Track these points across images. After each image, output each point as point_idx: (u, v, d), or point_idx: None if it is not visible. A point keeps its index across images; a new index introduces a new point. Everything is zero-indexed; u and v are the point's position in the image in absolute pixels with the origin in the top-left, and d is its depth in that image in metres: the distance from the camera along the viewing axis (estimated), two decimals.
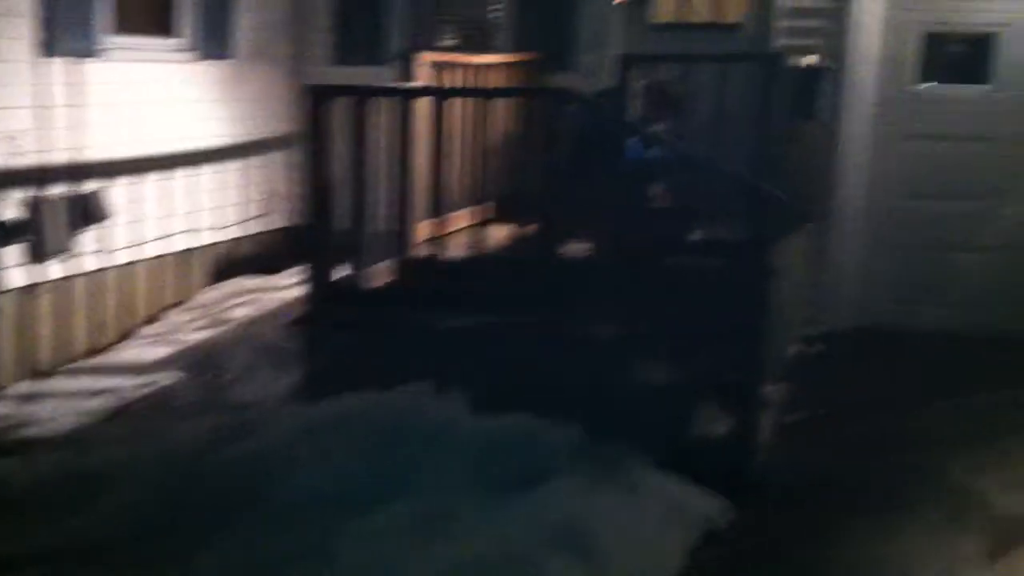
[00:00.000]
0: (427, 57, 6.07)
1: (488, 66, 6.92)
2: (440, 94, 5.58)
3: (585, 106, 5.13)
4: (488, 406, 4.77)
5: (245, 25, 7.78)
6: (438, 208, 5.49)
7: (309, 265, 5.33)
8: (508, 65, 7.21)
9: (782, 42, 7.18)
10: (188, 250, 7.35)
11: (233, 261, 7.76)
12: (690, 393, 5.06)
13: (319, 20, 8.28)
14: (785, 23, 7.23)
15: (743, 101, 6.20)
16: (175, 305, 7.23)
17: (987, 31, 7.19)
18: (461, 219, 6.23)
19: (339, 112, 5.29)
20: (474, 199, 5.33)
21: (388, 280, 5.48)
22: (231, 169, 7.73)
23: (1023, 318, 7.22)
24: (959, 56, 7.36)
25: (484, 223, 6.51)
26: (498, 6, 7.96)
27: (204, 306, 7.16)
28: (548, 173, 5.05)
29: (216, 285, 7.49)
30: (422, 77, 6.00)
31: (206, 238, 7.50)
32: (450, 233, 5.99)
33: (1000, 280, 7.32)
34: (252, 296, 7.12)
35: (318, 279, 5.33)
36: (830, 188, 7.33)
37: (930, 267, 7.41)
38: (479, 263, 5.34)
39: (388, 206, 5.50)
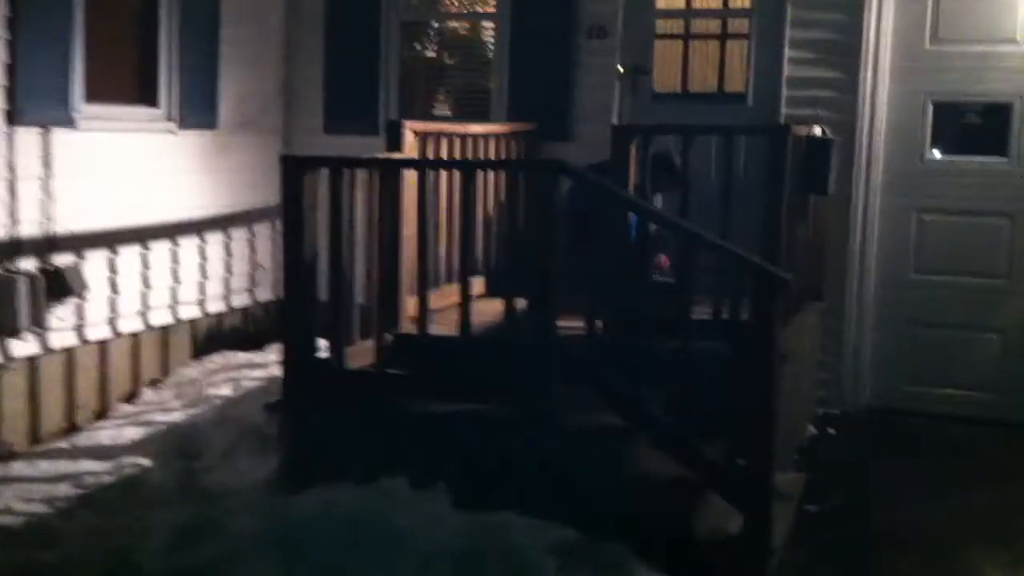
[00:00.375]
0: (414, 126, 5.78)
1: (481, 136, 6.64)
2: (418, 165, 5.28)
3: (578, 177, 4.80)
4: (474, 501, 4.39)
5: (231, 94, 7.54)
6: (425, 282, 5.16)
7: (285, 345, 4.99)
8: (502, 135, 6.93)
9: (788, 112, 6.93)
10: (168, 325, 7.01)
11: (215, 336, 7.43)
12: (696, 485, 4.69)
13: (310, 89, 8.03)
14: (791, 93, 6.97)
15: (748, 174, 5.92)
16: (153, 383, 6.87)
17: (1002, 101, 6.91)
18: (450, 294, 5.90)
19: (321, 183, 5.00)
20: (464, 273, 5.01)
21: (371, 359, 5.12)
22: (213, 241, 7.44)
23: None
24: (974, 128, 7.08)
25: (474, 298, 6.20)
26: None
27: (183, 384, 6.81)
28: (541, 247, 4.72)
29: (197, 361, 7.14)
30: (408, 147, 5.71)
31: (187, 312, 7.17)
32: (438, 309, 5.66)
33: (1017, 362, 6.96)
34: (234, 373, 6.76)
35: (295, 359, 4.99)
36: (841, 264, 7.02)
37: (944, 347, 7.07)
38: (468, 343, 4.98)
39: (370, 280, 5.17)
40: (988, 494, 5.73)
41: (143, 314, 6.79)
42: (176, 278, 7.06)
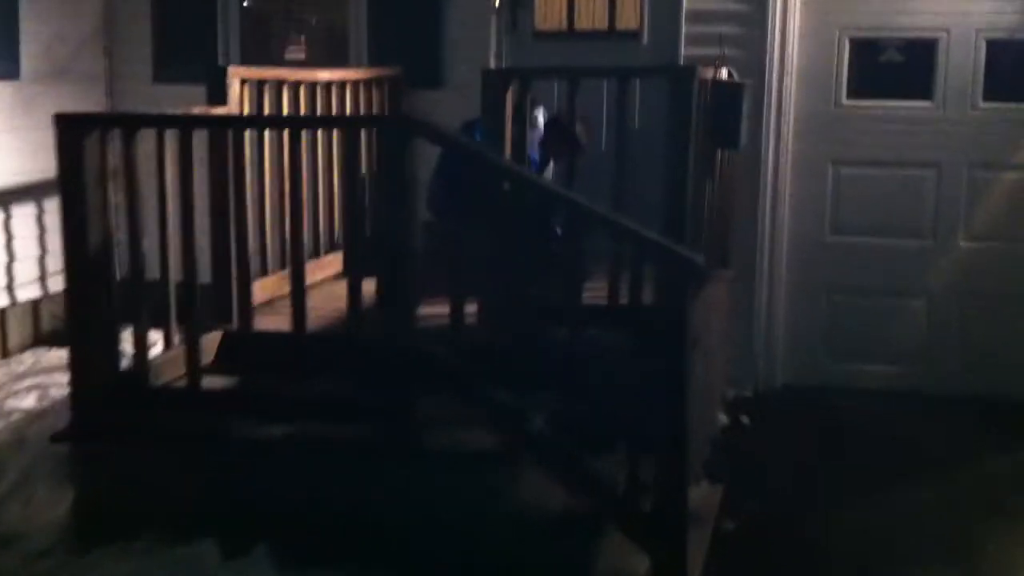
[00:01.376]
0: (241, 73, 4.72)
1: (336, 83, 5.59)
2: (225, 124, 4.20)
3: (436, 137, 3.81)
4: (308, 562, 3.42)
5: (38, 38, 6.33)
6: (245, 268, 4.16)
7: (71, 354, 3.93)
8: (360, 81, 5.88)
9: (689, 52, 6.01)
10: None
11: (27, 329, 6.29)
12: (594, 516, 3.79)
13: (137, 29, 6.83)
14: (691, 29, 6.05)
15: (648, 125, 4.99)
16: None
17: (927, 36, 6.10)
18: (316, 270, 4.93)
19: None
20: (295, 253, 4.01)
21: (181, 373, 4.07)
22: (22, 215, 6.27)
23: (974, 374, 6.14)
24: (895, 67, 6.26)
25: (328, 280, 5.21)
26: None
27: None
28: (391, 224, 3.74)
29: (2, 361, 6.01)
30: (235, 99, 4.66)
31: None
32: (274, 300, 4.68)
33: (946, 330, 6.23)
34: (43, 378, 5.62)
35: (84, 372, 3.93)
36: (749, 226, 6.17)
37: (866, 315, 6.31)
38: (302, 343, 3.97)
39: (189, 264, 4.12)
40: (928, 489, 5.02)
41: None
42: None
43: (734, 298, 6.09)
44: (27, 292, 6.33)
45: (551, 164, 5.45)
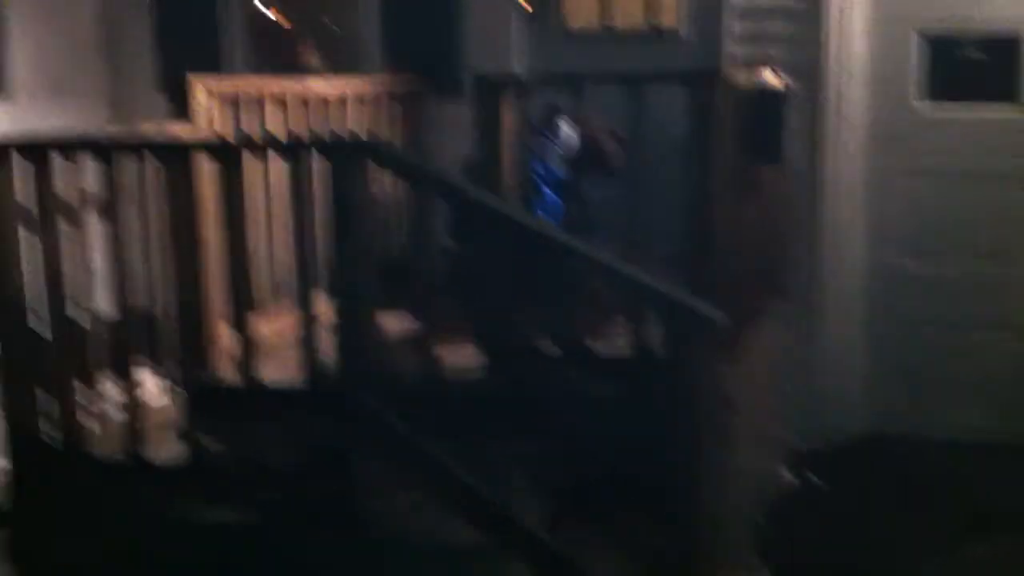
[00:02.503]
0: (210, 85, 4.14)
1: (332, 95, 5.00)
2: (159, 150, 3.53)
3: (396, 164, 3.17)
4: None
5: (29, 52, 5.87)
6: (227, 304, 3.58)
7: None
8: (365, 92, 5.28)
9: (733, 51, 5.28)
10: None
11: None
12: None
13: (140, 40, 6.32)
14: (736, 26, 5.32)
15: (675, 140, 4.29)
16: None
17: (1009, 33, 5.28)
18: (271, 318, 4.32)
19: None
20: (237, 295, 3.42)
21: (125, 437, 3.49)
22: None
23: None
24: (974, 66, 5.44)
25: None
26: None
27: None
28: (354, 257, 3.11)
29: None
30: (201, 114, 4.08)
31: None
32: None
33: None
34: None
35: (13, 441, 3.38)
36: (812, 252, 5.39)
37: (957, 354, 5.42)
38: (255, 399, 3.37)
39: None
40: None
41: None
42: None
43: (797, 335, 5.33)
44: None
45: (580, 184, 4.81)
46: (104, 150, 3.31)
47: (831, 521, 4.71)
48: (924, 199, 5.45)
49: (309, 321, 3.24)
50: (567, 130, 4.74)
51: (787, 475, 5.09)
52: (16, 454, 3.41)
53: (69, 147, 3.36)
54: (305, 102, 4.79)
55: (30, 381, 3.40)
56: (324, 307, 4.05)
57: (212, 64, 6.04)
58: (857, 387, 5.55)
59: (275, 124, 4.59)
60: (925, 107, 5.44)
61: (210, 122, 4.17)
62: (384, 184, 5.02)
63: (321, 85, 4.99)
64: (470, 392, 3.36)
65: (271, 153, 4.10)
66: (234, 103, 4.37)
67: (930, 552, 4.41)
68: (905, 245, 5.50)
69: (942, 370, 5.45)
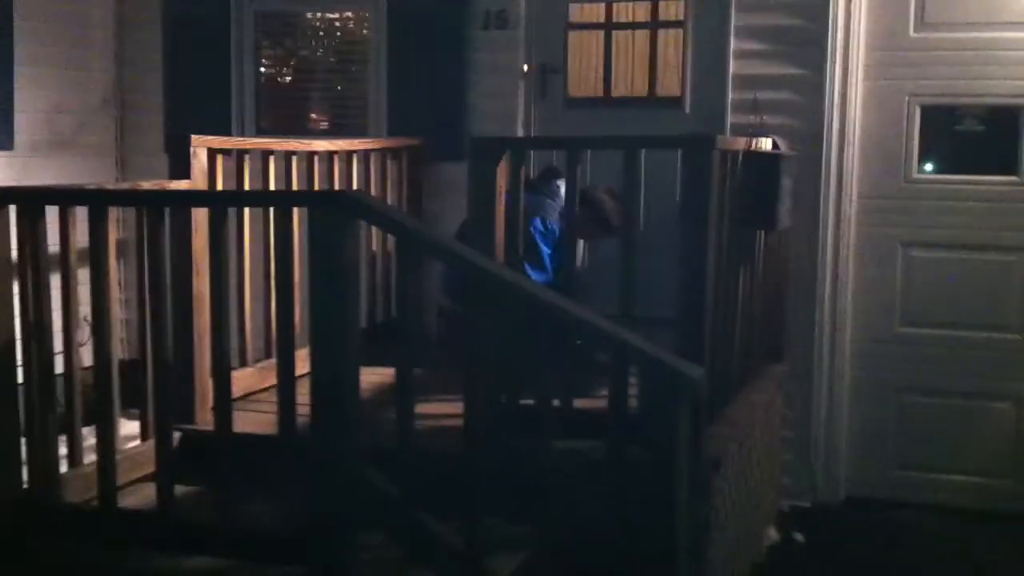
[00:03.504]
0: (210, 143, 4.21)
1: (342, 153, 5.08)
2: (151, 200, 3.55)
3: (375, 218, 3.19)
4: None
5: (35, 108, 5.95)
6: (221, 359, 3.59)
7: None
8: (370, 153, 5.35)
9: (735, 120, 5.36)
10: None
11: None
12: None
13: (149, 99, 6.41)
14: (738, 96, 5.39)
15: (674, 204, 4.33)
16: None
17: (1009, 103, 5.34)
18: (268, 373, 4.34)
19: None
20: (217, 352, 3.43)
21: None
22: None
23: None
24: (973, 138, 5.50)
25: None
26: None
27: None
28: (340, 318, 3.12)
29: None
30: (200, 172, 4.14)
31: None
32: (242, 397, 4.11)
33: None
34: None
35: None
36: (807, 316, 5.43)
37: (942, 419, 5.49)
38: (234, 458, 3.36)
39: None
40: None
41: None
42: None
43: (789, 396, 5.37)
44: None
45: (581, 244, 4.84)
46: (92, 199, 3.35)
47: None
48: (918, 268, 5.50)
49: (289, 375, 3.25)
50: (564, 189, 4.79)
51: (773, 535, 5.09)
52: None
53: (60, 198, 3.41)
54: (309, 163, 4.85)
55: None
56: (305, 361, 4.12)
57: (223, 126, 6.14)
58: (843, 449, 5.57)
59: (278, 184, 4.65)
60: (923, 176, 5.49)
61: (210, 178, 4.22)
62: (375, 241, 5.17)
63: (324, 144, 5.05)
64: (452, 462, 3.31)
65: (260, 208, 4.22)
66: (238, 163, 4.43)
67: None
68: (897, 312, 5.54)
69: (927, 435, 5.50)
